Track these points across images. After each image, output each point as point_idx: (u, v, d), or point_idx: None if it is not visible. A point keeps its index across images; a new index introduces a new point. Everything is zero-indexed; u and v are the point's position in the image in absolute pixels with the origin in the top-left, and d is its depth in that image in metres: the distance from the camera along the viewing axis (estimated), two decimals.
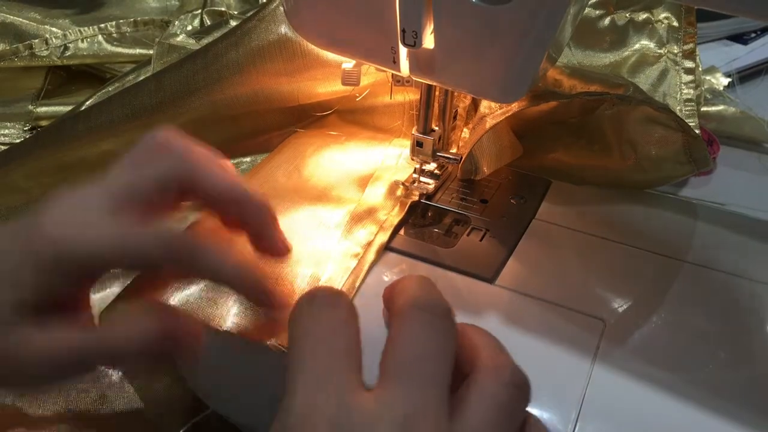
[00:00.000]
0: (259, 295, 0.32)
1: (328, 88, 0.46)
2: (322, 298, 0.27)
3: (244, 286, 0.31)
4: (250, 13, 0.44)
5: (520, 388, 0.26)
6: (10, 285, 0.29)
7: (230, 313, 0.34)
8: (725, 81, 0.57)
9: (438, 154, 0.42)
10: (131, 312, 0.31)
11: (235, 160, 0.49)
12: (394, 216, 0.40)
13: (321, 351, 0.26)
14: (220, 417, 0.41)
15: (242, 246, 0.33)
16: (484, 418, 0.25)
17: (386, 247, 0.39)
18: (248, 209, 0.33)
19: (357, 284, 0.36)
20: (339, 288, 0.35)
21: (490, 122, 0.40)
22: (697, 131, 0.41)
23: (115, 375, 0.41)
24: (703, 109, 0.52)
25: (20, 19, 0.63)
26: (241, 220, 0.33)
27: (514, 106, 0.40)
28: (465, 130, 0.47)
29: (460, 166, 0.42)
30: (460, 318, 0.34)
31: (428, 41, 0.33)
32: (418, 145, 0.42)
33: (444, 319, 0.27)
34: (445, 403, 0.25)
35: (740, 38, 0.67)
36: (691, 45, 0.48)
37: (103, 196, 0.30)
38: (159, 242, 0.30)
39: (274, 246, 0.34)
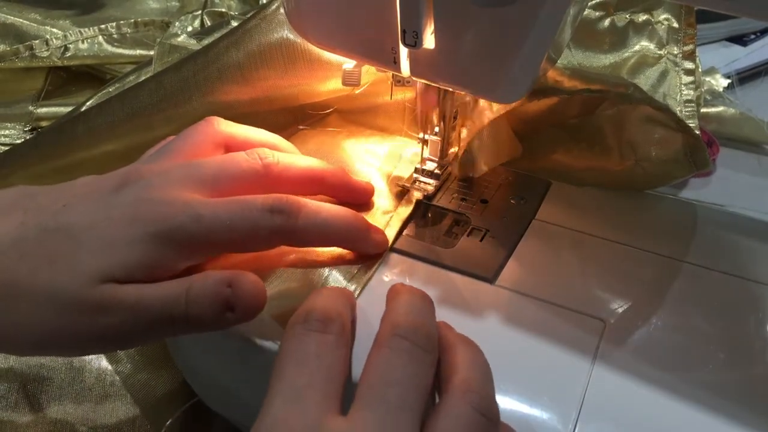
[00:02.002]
0: (362, 235, 0.36)
1: (329, 87, 0.46)
2: (314, 322, 0.28)
3: (348, 230, 0.35)
4: (251, 13, 0.44)
5: (487, 417, 0.26)
6: (112, 246, 0.30)
7: None
8: (725, 82, 0.57)
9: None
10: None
11: None
12: (397, 217, 0.40)
13: (303, 370, 0.26)
14: (218, 416, 0.41)
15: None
16: None
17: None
18: (329, 179, 0.38)
19: (360, 286, 0.36)
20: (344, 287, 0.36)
21: (489, 116, 0.40)
22: (697, 132, 0.41)
23: (122, 369, 0.41)
24: (703, 110, 0.52)
25: (21, 20, 0.63)
26: (325, 188, 0.38)
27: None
28: (464, 130, 0.47)
29: (457, 160, 0.42)
30: (460, 318, 0.34)
31: (429, 41, 0.33)
32: (424, 145, 0.42)
33: (423, 349, 0.28)
34: (416, 428, 0.25)
35: (740, 40, 0.67)
36: (690, 46, 0.48)
37: (194, 182, 0.33)
38: (264, 204, 0.32)
39: (359, 192, 0.40)
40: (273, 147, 0.38)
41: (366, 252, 0.37)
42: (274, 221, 0.32)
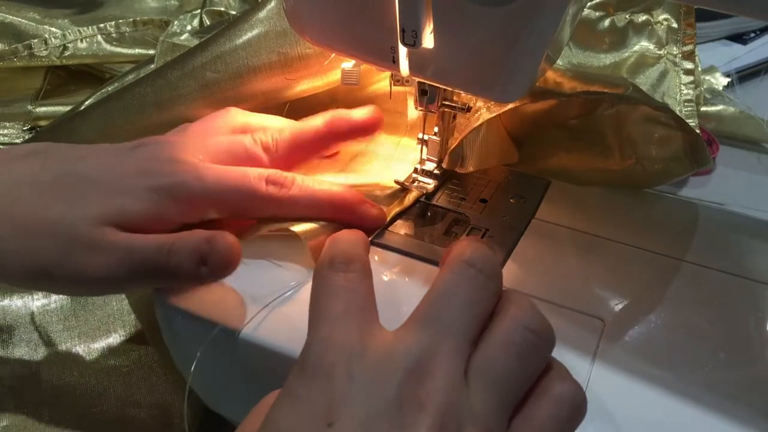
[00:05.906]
0: (353, 206, 0.38)
1: (328, 79, 0.45)
2: (338, 264, 0.29)
3: (340, 200, 0.38)
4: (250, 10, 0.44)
5: (537, 334, 0.26)
6: (119, 193, 0.33)
7: None
8: (724, 81, 0.58)
9: (445, 103, 0.41)
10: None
11: None
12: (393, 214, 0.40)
13: (338, 300, 0.27)
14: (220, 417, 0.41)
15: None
16: (494, 358, 0.25)
17: (384, 246, 0.39)
18: (332, 142, 0.43)
19: None
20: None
21: (485, 115, 0.40)
22: (697, 131, 0.41)
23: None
24: (703, 109, 0.52)
25: (19, 19, 0.63)
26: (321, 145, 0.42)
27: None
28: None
29: (448, 152, 0.42)
30: None
31: (428, 41, 0.33)
32: (423, 145, 0.42)
33: (488, 277, 0.28)
34: (463, 355, 0.25)
35: (739, 38, 0.67)
36: (690, 46, 0.48)
37: (203, 152, 0.36)
38: (260, 174, 0.36)
39: (360, 125, 0.43)
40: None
41: (362, 225, 0.38)
42: (269, 190, 0.36)
